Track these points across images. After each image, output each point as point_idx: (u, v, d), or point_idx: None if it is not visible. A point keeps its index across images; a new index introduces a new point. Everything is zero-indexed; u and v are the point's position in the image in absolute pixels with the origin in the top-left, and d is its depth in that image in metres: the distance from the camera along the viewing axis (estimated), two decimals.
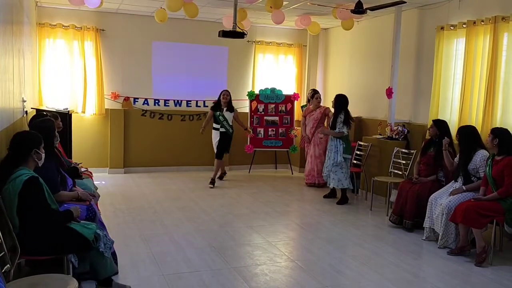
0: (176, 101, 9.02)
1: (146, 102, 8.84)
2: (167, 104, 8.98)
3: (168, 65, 8.92)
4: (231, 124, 8.03)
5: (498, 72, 5.64)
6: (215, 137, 8.01)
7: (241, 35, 6.64)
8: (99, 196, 5.00)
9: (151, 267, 4.17)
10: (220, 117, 7.89)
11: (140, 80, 8.79)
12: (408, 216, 5.52)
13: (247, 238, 5.16)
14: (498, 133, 4.71)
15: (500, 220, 4.56)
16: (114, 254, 3.95)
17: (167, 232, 5.23)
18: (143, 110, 8.83)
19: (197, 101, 9.14)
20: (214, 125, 8.02)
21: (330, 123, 7.02)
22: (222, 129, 7.89)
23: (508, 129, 4.85)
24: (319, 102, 8.09)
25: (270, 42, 9.54)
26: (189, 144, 9.11)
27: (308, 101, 8.30)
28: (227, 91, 8.01)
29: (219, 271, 4.14)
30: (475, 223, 4.56)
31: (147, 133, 8.86)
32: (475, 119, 5.90)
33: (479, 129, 5.80)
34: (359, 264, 4.43)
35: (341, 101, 6.94)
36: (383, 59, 7.73)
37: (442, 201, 5.03)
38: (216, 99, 8.18)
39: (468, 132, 5.14)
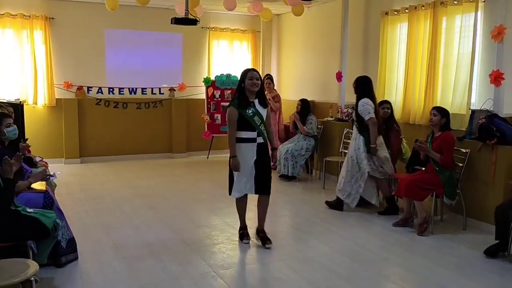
0: (131, 89, 9.00)
1: (100, 90, 8.78)
2: (121, 92, 8.94)
3: (122, 53, 8.87)
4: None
5: (438, 54, 6.00)
6: (248, 155, 4.36)
7: (193, 22, 6.72)
8: (55, 185, 5.02)
9: (112, 252, 4.27)
10: (256, 118, 4.29)
11: (93, 68, 8.70)
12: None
13: (205, 220, 5.33)
14: (445, 113, 4.95)
15: (439, 193, 4.93)
16: (73, 241, 4.03)
17: (127, 218, 5.33)
18: (97, 99, 8.76)
19: (152, 89, 9.15)
20: (243, 135, 4.30)
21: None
22: (260, 139, 4.35)
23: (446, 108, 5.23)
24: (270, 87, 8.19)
25: (224, 29, 9.63)
26: (146, 132, 9.14)
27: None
28: (256, 72, 4.35)
29: (178, 252, 4.29)
30: (416, 196, 4.90)
31: (103, 122, 8.81)
32: (418, 99, 6.28)
33: (421, 109, 6.22)
34: (310, 238, 4.70)
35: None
36: (333, 44, 7.99)
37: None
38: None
39: (360, 81, 5.62)
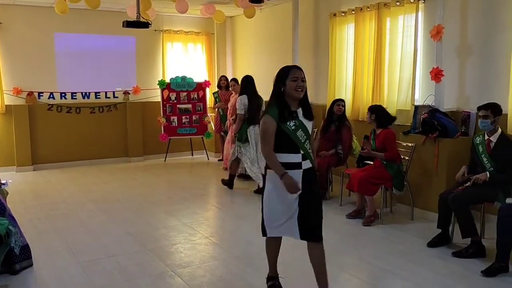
0: (83, 93, 8.85)
1: (51, 96, 8.59)
2: (74, 97, 8.79)
3: (73, 57, 8.71)
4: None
5: (383, 54, 6.27)
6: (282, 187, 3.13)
7: (145, 25, 6.71)
8: (7, 193, 4.91)
9: (67, 257, 4.24)
10: (299, 133, 3.09)
11: (44, 73, 8.51)
12: None
13: (163, 222, 5.36)
14: (374, 109, 5.26)
15: (388, 186, 5.18)
16: (27, 248, 3.98)
17: (82, 223, 5.28)
18: (49, 104, 8.57)
19: (106, 93, 9.04)
20: (282, 158, 3.08)
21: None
22: (307, 163, 3.15)
23: (383, 105, 5.52)
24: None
25: (178, 31, 9.64)
26: (101, 136, 9.02)
27: (220, 87, 8.54)
28: (301, 70, 3.11)
29: (135, 254, 4.31)
30: (368, 191, 5.13)
31: (56, 128, 8.63)
32: (366, 97, 6.54)
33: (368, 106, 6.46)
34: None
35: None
36: (285, 45, 8.17)
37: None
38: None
39: (241, 81, 6.64)
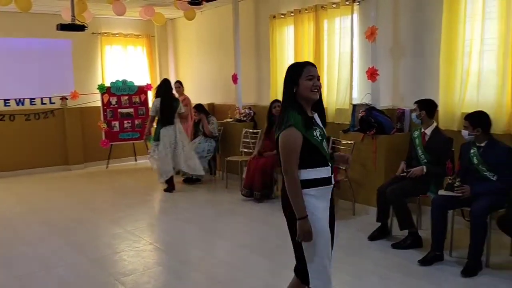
0: (17, 99, 8.43)
1: None
2: (7, 104, 8.35)
3: (5, 62, 8.28)
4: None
5: (322, 54, 6.43)
6: (325, 210, 2.54)
7: (81, 28, 6.51)
8: None
9: (4, 271, 4.02)
10: (324, 143, 2.57)
11: None
12: (257, 188, 6.07)
13: (105, 230, 5.20)
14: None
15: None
16: None
17: (19, 235, 5.03)
18: None
19: (42, 98, 8.65)
20: (312, 174, 2.48)
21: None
22: (332, 178, 2.58)
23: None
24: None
25: (117, 34, 9.42)
26: (38, 144, 8.62)
27: None
28: (315, 67, 2.56)
29: (76, 264, 4.16)
30: None
31: None
32: None
33: None
34: (213, 237, 4.81)
35: None
36: (227, 47, 8.19)
37: None
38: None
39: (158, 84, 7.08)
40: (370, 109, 5.40)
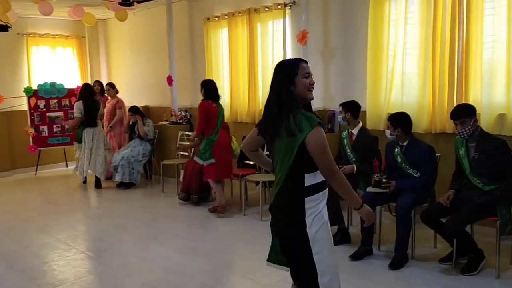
0: None
1: None
2: None
3: None
4: None
5: (256, 57, 6.51)
6: (326, 212, 2.45)
7: (4, 28, 6.19)
8: None
9: None
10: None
11: None
12: (194, 191, 6.03)
13: (34, 239, 4.96)
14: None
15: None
16: None
17: None
18: None
19: None
20: (315, 178, 2.33)
21: None
22: None
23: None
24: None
25: (45, 34, 9.01)
26: None
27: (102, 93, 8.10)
28: (307, 63, 2.39)
29: (2, 276, 3.94)
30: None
31: None
32: (242, 99, 6.73)
33: (246, 108, 6.69)
34: (149, 243, 4.73)
35: None
36: (161, 48, 8.06)
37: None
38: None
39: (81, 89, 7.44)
40: None
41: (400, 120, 4.10)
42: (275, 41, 6.23)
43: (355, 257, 4.07)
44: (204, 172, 5.70)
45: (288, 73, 2.30)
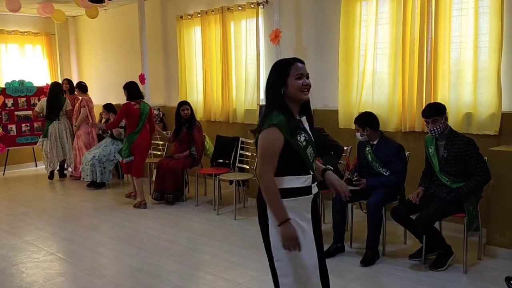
0: None
1: None
2: None
3: None
4: None
5: (230, 56, 6.49)
6: (304, 220, 2.36)
7: None
8: None
9: None
10: (309, 150, 2.37)
11: None
12: (168, 190, 5.98)
13: (1, 242, 4.81)
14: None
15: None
16: None
17: None
18: None
19: None
20: (292, 182, 2.30)
21: None
22: (315, 187, 2.42)
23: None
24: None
25: (13, 31, 8.78)
26: None
27: (63, 92, 7.96)
28: (304, 64, 2.43)
29: None
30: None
31: None
32: (216, 98, 6.70)
33: (220, 107, 6.67)
34: (120, 244, 4.65)
35: None
36: (134, 46, 7.96)
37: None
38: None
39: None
40: None
41: (366, 120, 4.15)
42: (249, 40, 6.22)
43: (327, 254, 4.08)
44: (125, 168, 6.22)
45: (280, 74, 2.31)
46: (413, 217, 3.88)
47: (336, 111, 5.33)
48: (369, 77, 5.12)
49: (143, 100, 6.01)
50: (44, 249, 4.54)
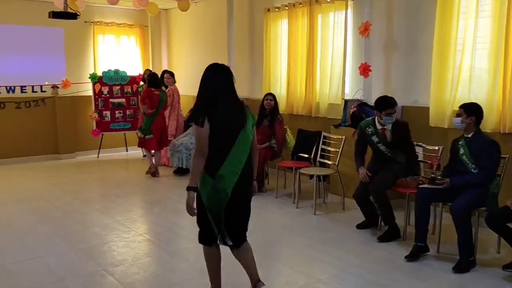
0: (8, 87, 8.34)
1: None
2: None
3: None
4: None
5: (315, 49, 6.42)
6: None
7: (73, 16, 6.45)
8: None
9: None
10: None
11: None
12: None
13: (94, 220, 5.19)
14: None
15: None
16: None
17: (5, 224, 4.99)
18: None
19: (33, 86, 8.56)
20: None
21: None
22: None
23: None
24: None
25: (110, 23, 9.34)
26: (28, 132, 8.55)
27: (144, 81, 8.31)
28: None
29: (64, 254, 4.14)
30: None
31: None
32: (299, 91, 6.67)
33: (302, 100, 6.63)
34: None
35: None
36: (221, 39, 8.15)
37: None
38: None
39: None
40: (361, 105, 5.42)
41: (475, 109, 3.89)
42: (336, 33, 6.11)
43: (411, 256, 3.93)
44: (146, 144, 7.22)
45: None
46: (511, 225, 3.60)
47: (427, 108, 5.07)
48: (466, 73, 4.81)
49: (162, 89, 7.25)
50: (133, 229, 4.81)
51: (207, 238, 3.05)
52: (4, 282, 3.59)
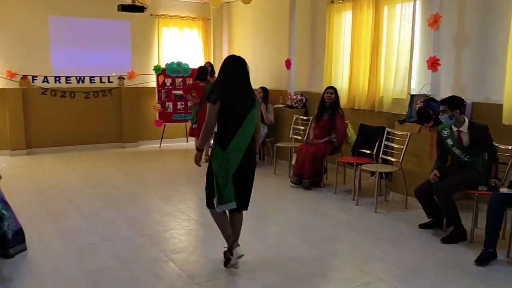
0: (78, 77, 8.79)
1: (46, 80, 8.52)
2: (69, 81, 8.72)
3: (67, 41, 8.62)
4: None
5: (380, 42, 6.24)
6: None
7: (140, 9, 6.66)
8: (0, 177, 4.88)
9: (61, 241, 4.24)
10: None
11: (38, 57, 8.43)
12: (306, 176, 6.02)
13: (156, 207, 5.36)
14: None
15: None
16: (21, 232, 3.97)
17: (76, 208, 5.27)
18: (43, 88, 8.50)
19: (101, 77, 8.97)
20: None
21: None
22: None
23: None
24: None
25: (174, 16, 9.56)
26: (95, 121, 8.98)
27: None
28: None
29: (129, 239, 4.32)
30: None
31: (50, 112, 8.57)
32: (362, 85, 6.52)
33: (365, 94, 6.47)
34: (261, 222, 4.83)
35: None
36: (282, 31, 8.12)
37: None
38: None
39: None
40: (429, 100, 5.20)
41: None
42: (403, 25, 5.90)
43: (480, 261, 3.74)
44: (192, 131, 7.85)
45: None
46: None
47: (500, 105, 4.79)
48: None
49: (208, 81, 7.61)
50: (193, 218, 4.93)
51: (213, 202, 3.57)
52: (74, 263, 3.79)
